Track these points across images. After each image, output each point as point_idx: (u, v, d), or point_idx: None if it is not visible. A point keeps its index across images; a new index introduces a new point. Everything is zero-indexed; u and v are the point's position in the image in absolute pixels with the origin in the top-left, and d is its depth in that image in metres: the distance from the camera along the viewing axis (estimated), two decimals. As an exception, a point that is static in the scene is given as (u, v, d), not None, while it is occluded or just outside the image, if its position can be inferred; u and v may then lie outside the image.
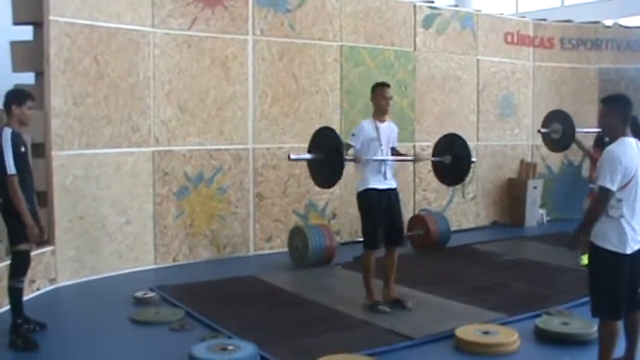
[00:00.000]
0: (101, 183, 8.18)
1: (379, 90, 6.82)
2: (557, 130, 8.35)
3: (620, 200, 4.62)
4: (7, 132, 5.73)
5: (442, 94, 11.43)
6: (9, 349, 5.68)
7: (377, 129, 6.75)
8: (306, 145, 9.73)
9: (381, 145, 6.72)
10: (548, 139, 8.65)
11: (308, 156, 6.26)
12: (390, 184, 6.80)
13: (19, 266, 5.91)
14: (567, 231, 9.36)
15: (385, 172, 6.74)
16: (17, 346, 5.71)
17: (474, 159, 7.13)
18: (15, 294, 5.90)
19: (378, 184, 6.69)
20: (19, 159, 5.75)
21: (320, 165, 6.30)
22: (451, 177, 7.21)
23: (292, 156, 6.24)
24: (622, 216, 4.63)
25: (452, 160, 7.19)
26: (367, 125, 6.79)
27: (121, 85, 8.35)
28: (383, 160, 6.68)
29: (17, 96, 5.95)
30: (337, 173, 6.17)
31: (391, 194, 6.79)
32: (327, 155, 6.26)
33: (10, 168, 5.65)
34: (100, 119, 8.15)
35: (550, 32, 12.69)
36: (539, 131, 8.59)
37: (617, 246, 4.64)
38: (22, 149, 5.86)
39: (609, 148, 4.74)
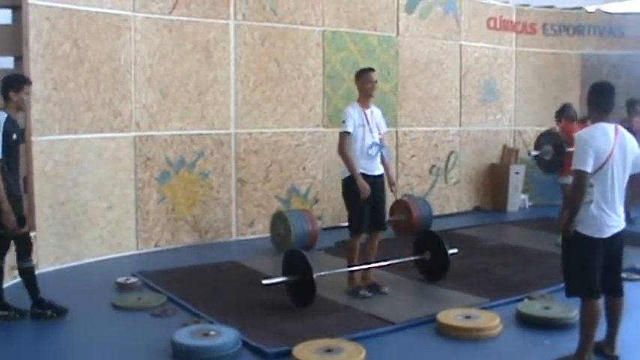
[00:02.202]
0: (82, 168, 8.12)
1: (365, 74, 6.84)
2: (548, 151, 8.35)
3: (592, 186, 4.66)
4: (2, 117, 5.71)
5: (425, 79, 11.42)
6: None
7: (365, 115, 6.76)
8: (288, 129, 9.84)
9: (371, 131, 6.75)
10: (540, 161, 8.64)
11: (281, 279, 6.37)
12: (379, 169, 6.85)
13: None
14: (550, 216, 9.45)
15: (374, 157, 6.78)
16: None
17: (454, 250, 7.19)
18: None
19: (366, 169, 6.71)
20: (9, 145, 5.72)
21: (296, 286, 6.37)
22: (435, 272, 7.25)
23: (264, 281, 6.33)
24: (591, 201, 4.67)
25: (431, 256, 7.23)
26: (353, 111, 6.76)
27: (101, 69, 8.28)
28: (374, 143, 6.73)
29: (14, 81, 5.98)
30: (312, 291, 6.19)
31: (378, 181, 6.82)
32: (301, 276, 6.29)
33: None
34: (80, 104, 8.08)
35: (533, 18, 12.70)
36: (529, 153, 8.57)
37: (590, 230, 4.70)
38: (14, 137, 5.83)
39: (578, 133, 4.89)
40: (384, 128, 6.97)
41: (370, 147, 6.70)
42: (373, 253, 6.98)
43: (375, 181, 6.77)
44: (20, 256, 6.03)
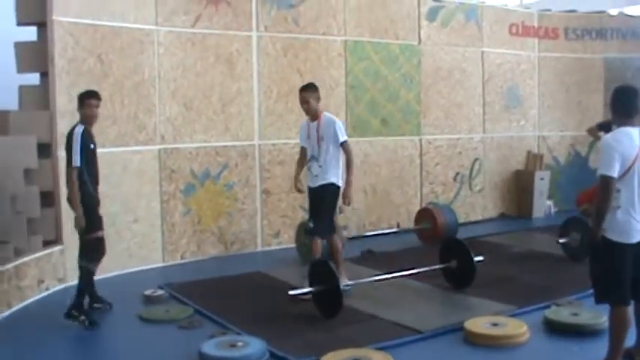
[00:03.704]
0: (108, 182, 8.14)
1: (299, 94, 7.24)
2: (576, 239, 8.35)
3: (618, 191, 4.63)
4: (79, 130, 6.36)
5: (448, 87, 11.40)
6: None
7: (308, 128, 7.23)
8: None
9: (313, 146, 7.17)
10: (567, 248, 8.62)
11: (307, 289, 6.44)
12: (315, 181, 7.15)
13: (90, 252, 6.55)
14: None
15: (311, 169, 7.21)
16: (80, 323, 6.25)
17: (480, 258, 7.20)
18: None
19: (309, 181, 7.25)
20: (87, 154, 6.35)
21: (322, 296, 6.38)
22: (461, 280, 7.23)
23: (291, 292, 6.41)
24: (619, 207, 4.64)
25: (457, 264, 7.24)
26: (302, 126, 7.42)
27: (125, 84, 8.36)
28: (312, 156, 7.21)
29: (78, 98, 6.59)
30: (339, 301, 6.20)
31: (316, 190, 7.16)
32: (327, 286, 6.31)
33: (76, 161, 6.24)
34: (105, 118, 8.13)
35: (555, 22, 12.64)
36: (557, 242, 8.58)
37: (617, 236, 4.66)
38: (92, 146, 6.49)
39: (604, 137, 4.87)
40: (341, 137, 7.13)
41: (310, 159, 7.21)
42: (334, 257, 7.15)
43: (314, 190, 7.18)
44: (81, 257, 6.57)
